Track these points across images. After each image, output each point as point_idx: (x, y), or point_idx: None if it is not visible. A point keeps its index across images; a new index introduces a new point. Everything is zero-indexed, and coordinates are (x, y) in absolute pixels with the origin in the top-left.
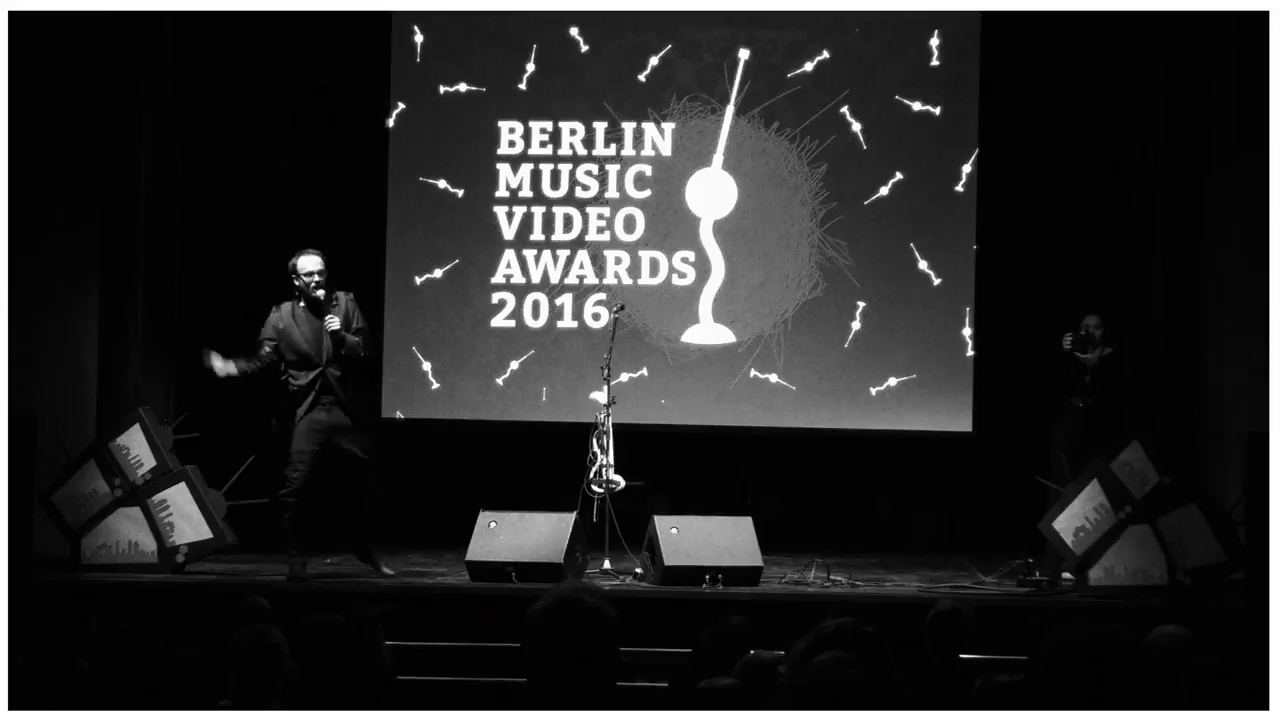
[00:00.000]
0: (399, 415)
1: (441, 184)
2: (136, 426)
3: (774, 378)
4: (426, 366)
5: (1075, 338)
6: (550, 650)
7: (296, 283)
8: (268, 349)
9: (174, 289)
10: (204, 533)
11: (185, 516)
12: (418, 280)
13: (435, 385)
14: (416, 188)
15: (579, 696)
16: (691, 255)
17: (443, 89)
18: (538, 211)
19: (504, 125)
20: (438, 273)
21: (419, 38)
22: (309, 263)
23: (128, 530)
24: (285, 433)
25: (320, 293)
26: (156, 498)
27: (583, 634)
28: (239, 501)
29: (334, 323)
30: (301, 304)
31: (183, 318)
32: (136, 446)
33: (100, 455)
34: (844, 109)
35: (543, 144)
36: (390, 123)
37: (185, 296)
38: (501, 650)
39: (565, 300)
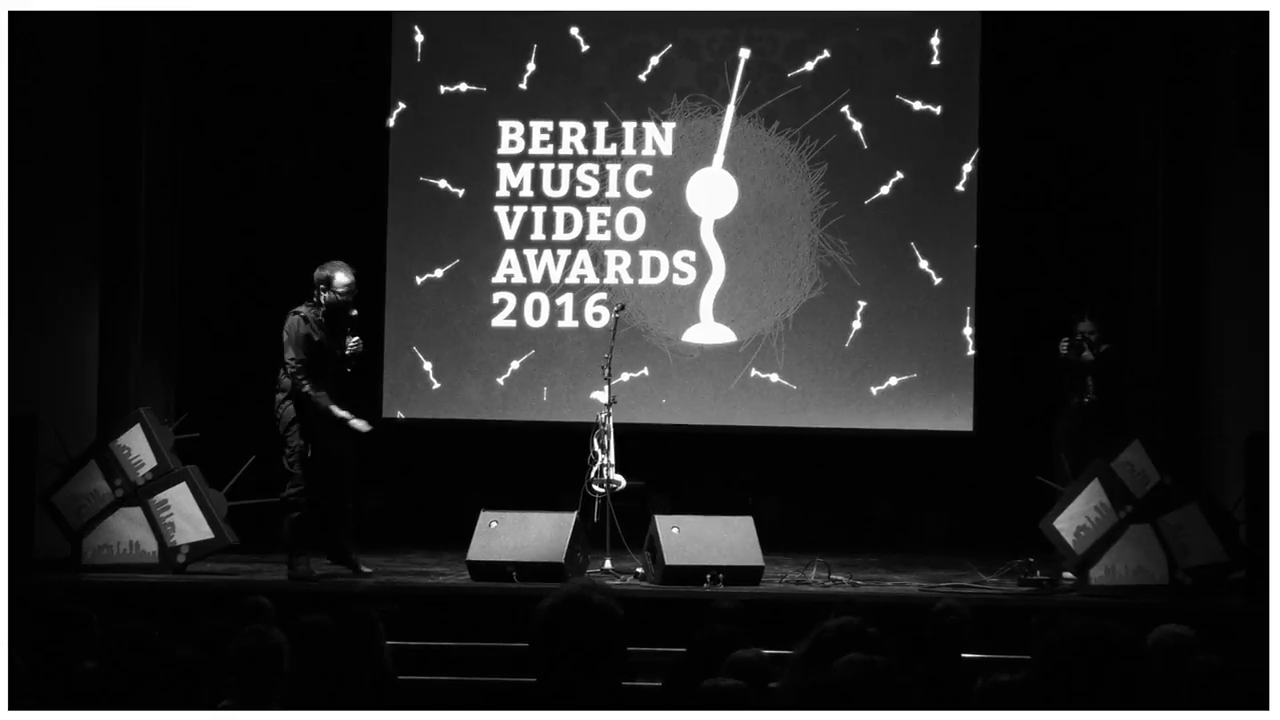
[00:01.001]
0: (399, 415)
1: (442, 184)
2: (137, 427)
3: (774, 377)
4: (427, 366)
5: (1071, 344)
6: (558, 647)
7: (328, 295)
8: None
9: (174, 289)
10: (205, 533)
11: (186, 517)
12: (418, 280)
13: (435, 385)
14: (417, 188)
15: (585, 693)
16: (692, 255)
17: (443, 89)
18: (538, 211)
19: (504, 125)
20: (438, 273)
21: (419, 38)
22: (347, 278)
23: (129, 530)
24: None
25: (354, 311)
26: (157, 498)
27: (591, 631)
28: (240, 502)
29: (360, 344)
30: (320, 315)
31: (183, 318)
32: (137, 447)
33: (101, 455)
34: (844, 108)
35: (543, 144)
36: (390, 123)
37: (185, 297)
38: (502, 650)
39: (566, 300)
